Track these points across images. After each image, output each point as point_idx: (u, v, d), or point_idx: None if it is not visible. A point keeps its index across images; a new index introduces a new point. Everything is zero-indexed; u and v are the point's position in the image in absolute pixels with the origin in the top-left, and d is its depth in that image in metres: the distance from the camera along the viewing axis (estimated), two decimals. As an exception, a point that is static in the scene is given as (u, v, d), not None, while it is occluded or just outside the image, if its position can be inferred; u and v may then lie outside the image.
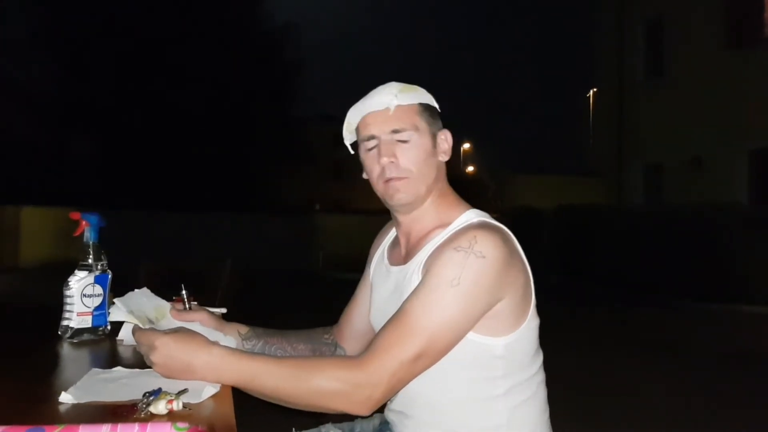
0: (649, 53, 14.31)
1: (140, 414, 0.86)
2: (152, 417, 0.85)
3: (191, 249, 12.77)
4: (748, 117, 11.28)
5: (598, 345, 6.02)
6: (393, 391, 1.08)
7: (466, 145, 34.84)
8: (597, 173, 16.54)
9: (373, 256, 1.44)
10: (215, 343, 1.06)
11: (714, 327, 7.24)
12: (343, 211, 19.61)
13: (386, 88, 1.24)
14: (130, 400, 0.91)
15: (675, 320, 7.61)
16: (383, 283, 1.34)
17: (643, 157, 14.28)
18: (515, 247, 1.18)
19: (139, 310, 1.34)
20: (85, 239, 1.44)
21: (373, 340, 1.09)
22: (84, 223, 1.44)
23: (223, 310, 1.72)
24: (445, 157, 1.28)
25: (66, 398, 0.93)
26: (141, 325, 1.23)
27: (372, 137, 1.23)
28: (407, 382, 1.09)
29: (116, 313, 1.32)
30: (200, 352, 1.02)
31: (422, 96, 1.26)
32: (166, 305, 1.41)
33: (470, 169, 31.14)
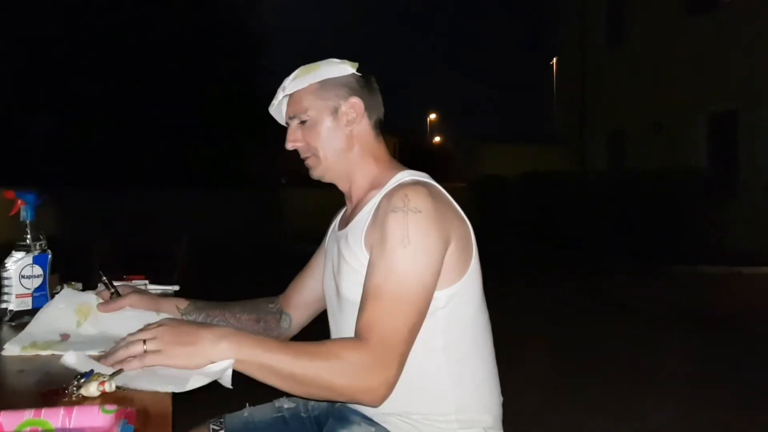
0: (610, 19, 14.35)
1: (71, 397, 0.83)
2: (84, 400, 0.82)
3: (157, 227, 12.56)
4: (707, 81, 11.44)
5: (565, 308, 6.13)
6: (402, 367, 1.07)
7: (433, 116, 34.81)
8: (561, 140, 16.69)
9: (329, 227, 1.46)
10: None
11: (676, 288, 7.42)
12: (309, 185, 19.43)
13: (285, 81, 1.29)
14: (61, 384, 0.87)
15: (638, 282, 7.78)
16: (332, 248, 1.35)
17: (605, 124, 14.43)
18: (446, 198, 1.20)
19: (50, 329, 1.17)
20: (21, 218, 1.39)
21: (360, 325, 1.06)
22: (20, 201, 1.39)
23: (175, 288, 1.67)
24: (350, 126, 1.28)
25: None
26: (43, 351, 1.08)
27: (285, 126, 1.33)
28: (408, 354, 1.08)
29: (10, 349, 1.08)
30: (205, 329, 0.99)
31: (318, 74, 1.26)
32: (92, 299, 1.27)
33: (437, 139, 31.16)
